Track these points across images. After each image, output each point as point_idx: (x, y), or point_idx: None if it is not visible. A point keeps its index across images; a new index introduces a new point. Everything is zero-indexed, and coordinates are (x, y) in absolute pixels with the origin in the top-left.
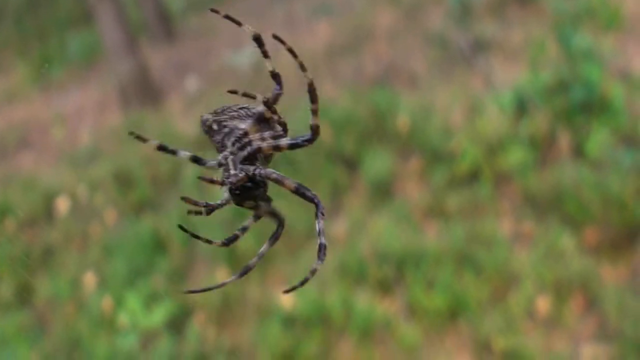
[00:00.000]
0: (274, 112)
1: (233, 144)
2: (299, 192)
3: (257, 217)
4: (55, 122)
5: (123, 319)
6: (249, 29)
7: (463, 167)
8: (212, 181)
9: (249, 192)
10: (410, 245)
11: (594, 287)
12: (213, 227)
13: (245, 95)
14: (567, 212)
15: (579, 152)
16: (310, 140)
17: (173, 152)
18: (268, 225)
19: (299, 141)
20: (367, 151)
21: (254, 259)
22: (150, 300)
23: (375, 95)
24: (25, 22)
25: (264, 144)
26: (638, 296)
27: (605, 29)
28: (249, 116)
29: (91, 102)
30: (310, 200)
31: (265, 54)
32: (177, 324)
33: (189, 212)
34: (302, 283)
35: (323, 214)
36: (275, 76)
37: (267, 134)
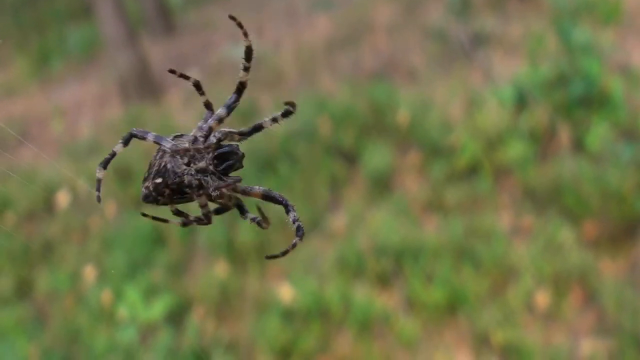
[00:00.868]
0: (202, 93)
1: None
2: (269, 197)
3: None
4: (54, 115)
5: (122, 312)
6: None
7: (462, 161)
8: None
9: (226, 156)
10: (409, 239)
11: (593, 281)
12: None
13: (182, 76)
14: (567, 206)
15: (578, 146)
16: (236, 99)
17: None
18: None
19: (229, 104)
20: (366, 145)
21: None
22: (150, 293)
23: (374, 89)
24: (24, 15)
25: (211, 122)
26: (637, 290)
27: (604, 23)
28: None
29: (91, 95)
30: (279, 202)
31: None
32: (176, 318)
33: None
34: (284, 253)
35: (293, 208)
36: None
37: (200, 123)
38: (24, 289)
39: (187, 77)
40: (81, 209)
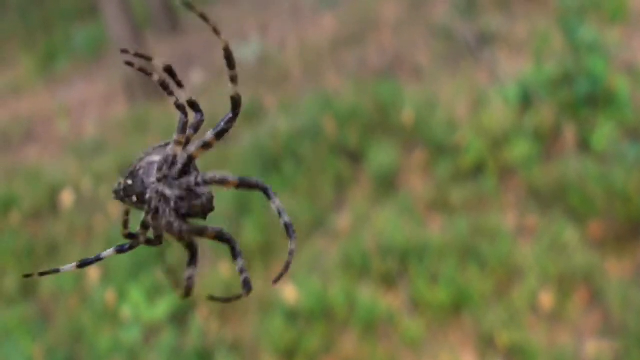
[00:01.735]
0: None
1: (159, 170)
2: (245, 183)
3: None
4: (60, 114)
5: (126, 311)
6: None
7: (467, 160)
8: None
9: (193, 205)
10: (414, 238)
11: (598, 281)
12: (217, 221)
13: (141, 70)
14: (572, 206)
15: (584, 145)
16: (233, 118)
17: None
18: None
19: (222, 125)
20: (371, 144)
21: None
22: (154, 293)
23: (379, 87)
24: (31, 14)
25: (193, 149)
26: None
27: (610, 21)
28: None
29: (96, 94)
30: (256, 186)
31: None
32: (180, 318)
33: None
34: (286, 268)
35: (274, 193)
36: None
37: (190, 131)
38: (28, 288)
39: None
40: (85, 208)
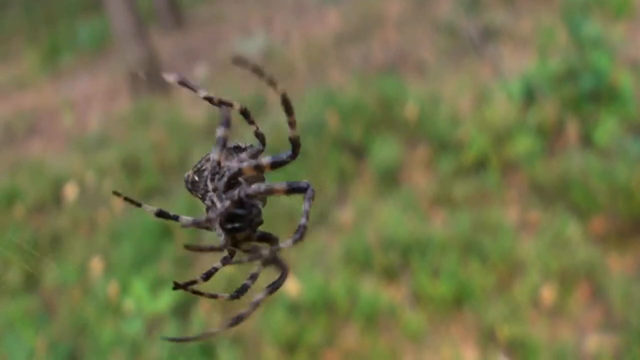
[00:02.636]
0: (252, 122)
1: (212, 180)
2: (292, 188)
3: (263, 262)
4: (64, 108)
5: (129, 304)
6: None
7: (470, 156)
8: (200, 249)
9: (242, 220)
10: (416, 233)
11: (599, 277)
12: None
13: (221, 102)
14: (574, 201)
15: (587, 140)
16: (293, 156)
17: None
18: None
19: (282, 158)
20: (375, 139)
21: (249, 309)
22: (156, 286)
23: (383, 83)
24: (35, 8)
25: (244, 165)
26: None
27: (615, 17)
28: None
29: (100, 89)
30: (305, 189)
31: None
32: (182, 310)
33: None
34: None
35: (312, 198)
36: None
37: (244, 155)
38: (31, 281)
39: (230, 105)
40: (89, 201)
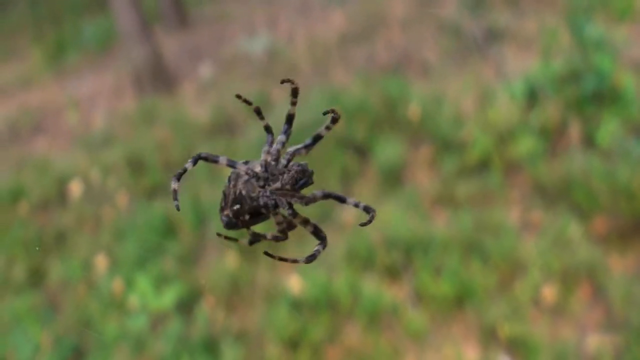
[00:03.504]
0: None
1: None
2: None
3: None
4: (69, 107)
5: (133, 300)
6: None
7: (473, 156)
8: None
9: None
10: (418, 232)
11: (601, 277)
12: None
13: (245, 101)
14: (576, 202)
15: (589, 141)
16: (311, 144)
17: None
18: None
19: (304, 145)
20: (378, 138)
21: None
22: (161, 282)
23: (387, 83)
24: (40, 7)
25: (284, 161)
26: None
27: (618, 19)
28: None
29: (105, 87)
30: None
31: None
32: (186, 306)
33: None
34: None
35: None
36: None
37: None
38: (37, 277)
39: (249, 103)
40: (94, 199)
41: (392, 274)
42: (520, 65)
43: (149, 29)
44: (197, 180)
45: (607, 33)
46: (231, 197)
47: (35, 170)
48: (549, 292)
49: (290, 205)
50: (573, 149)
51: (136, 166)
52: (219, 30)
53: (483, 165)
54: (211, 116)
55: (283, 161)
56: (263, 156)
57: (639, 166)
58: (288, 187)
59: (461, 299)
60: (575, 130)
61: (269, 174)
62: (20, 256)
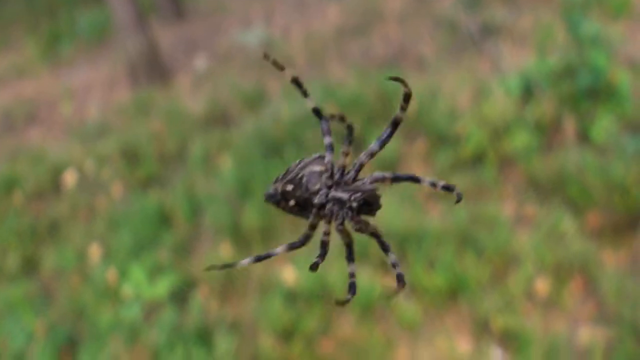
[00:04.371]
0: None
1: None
2: (398, 178)
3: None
4: (63, 97)
5: (127, 290)
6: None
7: (468, 150)
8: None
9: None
10: (412, 224)
11: (593, 271)
12: (218, 203)
13: (275, 63)
14: (570, 196)
15: (583, 137)
16: (391, 133)
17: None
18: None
19: (383, 138)
20: (373, 132)
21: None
22: (155, 272)
23: (383, 77)
24: None
25: (367, 180)
26: (638, 280)
27: (614, 16)
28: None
29: (100, 78)
30: (409, 179)
31: (305, 94)
32: (180, 296)
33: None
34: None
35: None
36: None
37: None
38: (30, 266)
39: (282, 68)
40: (88, 188)
41: (386, 266)
42: (516, 61)
43: (144, 20)
44: (191, 170)
45: (602, 30)
46: (291, 175)
47: (30, 160)
48: (542, 286)
49: (342, 221)
50: (568, 144)
51: (131, 157)
52: (214, 22)
53: (478, 160)
54: (206, 108)
55: (367, 180)
56: (341, 159)
57: (633, 162)
58: (351, 205)
59: (454, 292)
60: (570, 126)
61: (342, 181)
62: (14, 245)
